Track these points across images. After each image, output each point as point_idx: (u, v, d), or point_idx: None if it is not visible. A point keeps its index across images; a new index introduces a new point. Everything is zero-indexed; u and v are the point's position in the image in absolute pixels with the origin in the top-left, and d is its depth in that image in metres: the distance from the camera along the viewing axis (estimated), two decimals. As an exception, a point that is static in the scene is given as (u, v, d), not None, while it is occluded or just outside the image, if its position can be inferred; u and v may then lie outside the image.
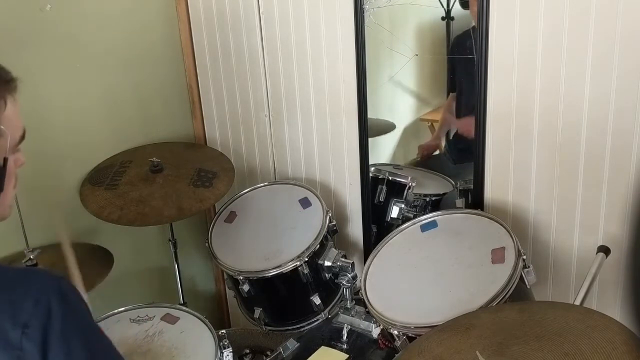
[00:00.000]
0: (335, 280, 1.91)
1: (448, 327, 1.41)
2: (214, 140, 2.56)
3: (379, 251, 1.80)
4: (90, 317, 1.04)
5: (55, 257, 1.96)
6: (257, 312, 1.98)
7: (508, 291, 1.51)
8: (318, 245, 1.91)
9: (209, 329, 1.77)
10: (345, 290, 1.92)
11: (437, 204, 2.16)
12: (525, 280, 1.56)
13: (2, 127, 1.01)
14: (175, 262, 2.37)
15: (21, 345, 0.91)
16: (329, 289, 1.98)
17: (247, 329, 2.23)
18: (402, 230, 1.83)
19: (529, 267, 1.57)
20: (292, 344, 1.86)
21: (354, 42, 1.99)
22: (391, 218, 2.12)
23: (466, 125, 2.02)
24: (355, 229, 2.24)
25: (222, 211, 2.16)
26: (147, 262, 2.50)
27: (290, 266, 1.87)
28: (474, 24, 1.96)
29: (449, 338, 1.35)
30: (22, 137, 1.07)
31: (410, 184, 2.13)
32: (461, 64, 2.02)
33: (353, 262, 1.90)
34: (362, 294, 1.70)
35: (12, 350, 0.91)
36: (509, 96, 1.76)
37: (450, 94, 2.23)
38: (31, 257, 1.88)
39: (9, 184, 1.06)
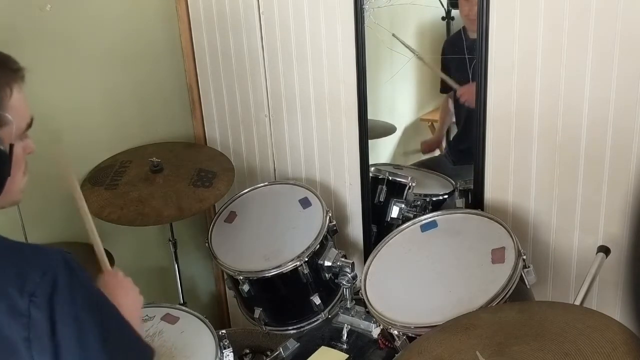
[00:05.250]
0: (335, 280, 1.91)
1: (448, 327, 1.41)
2: (213, 140, 2.56)
3: (379, 251, 1.80)
4: (97, 288, 1.08)
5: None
6: (257, 312, 1.98)
7: (508, 291, 1.51)
8: (318, 245, 1.91)
9: (209, 329, 1.77)
10: (345, 290, 1.92)
11: (437, 204, 2.16)
12: (525, 280, 1.56)
13: (7, 114, 1.04)
14: (175, 262, 2.37)
15: (29, 313, 0.95)
16: (329, 289, 1.98)
17: (247, 329, 2.23)
18: (402, 230, 1.83)
19: (529, 267, 1.57)
20: (292, 344, 1.86)
21: (354, 42, 1.99)
22: (391, 218, 2.12)
23: (469, 93, 2.01)
24: (355, 229, 2.24)
25: (222, 211, 2.16)
26: (147, 262, 2.50)
27: (290, 266, 1.87)
28: (462, 25, 1.97)
29: (449, 338, 1.35)
30: (29, 125, 1.11)
31: (410, 184, 2.13)
32: (454, 60, 2.03)
33: (353, 262, 1.90)
34: (362, 294, 1.70)
35: (20, 318, 0.95)
36: (509, 96, 1.76)
37: (444, 94, 2.24)
38: (31, 257, 1.88)
39: (18, 170, 1.09)
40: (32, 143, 1.13)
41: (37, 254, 1.03)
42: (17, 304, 0.95)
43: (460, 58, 1.87)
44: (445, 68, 2.17)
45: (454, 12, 2.08)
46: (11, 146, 1.06)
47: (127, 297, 1.26)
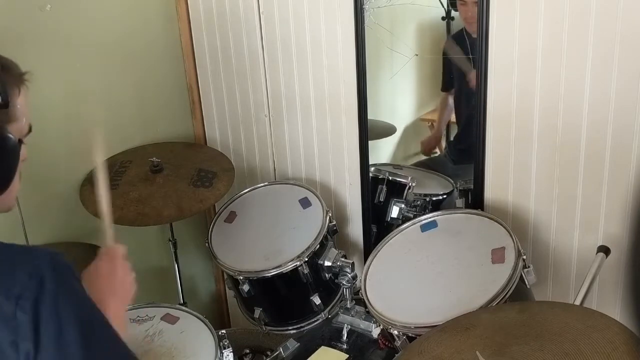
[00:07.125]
0: (335, 280, 1.91)
1: (448, 327, 1.41)
2: (214, 140, 2.56)
3: (379, 251, 1.80)
4: (84, 292, 1.04)
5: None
6: (257, 312, 1.98)
7: (508, 291, 1.51)
8: (318, 245, 1.91)
9: (209, 329, 1.77)
10: (345, 290, 1.92)
11: (437, 204, 2.16)
12: (525, 280, 1.57)
13: (19, 106, 1.06)
14: (175, 262, 2.37)
15: (15, 316, 0.92)
16: (329, 289, 1.98)
17: (247, 329, 2.23)
18: (402, 230, 1.83)
19: (529, 267, 1.57)
20: (292, 344, 1.86)
21: (354, 42, 1.99)
22: (391, 218, 2.12)
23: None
24: (355, 229, 2.24)
25: (222, 211, 2.16)
26: (147, 262, 2.50)
27: (290, 266, 1.87)
28: (463, 25, 1.97)
29: (449, 338, 1.35)
30: (29, 130, 1.11)
31: (410, 184, 2.13)
32: (456, 59, 2.02)
33: (353, 262, 1.90)
34: (362, 294, 1.70)
35: (8, 322, 0.92)
36: (509, 96, 1.76)
37: (444, 92, 2.24)
38: (31, 257, 1.88)
39: (17, 173, 1.09)
40: (25, 151, 1.12)
41: (24, 254, 1.00)
42: (3, 308, 0.92)
43: (462, 57, 1.87)
44: (446, 67, 2.17)
45: (454, 12, 2.08)
46: (20, 141, 1.07)
47: (120, 289, 1.25)
